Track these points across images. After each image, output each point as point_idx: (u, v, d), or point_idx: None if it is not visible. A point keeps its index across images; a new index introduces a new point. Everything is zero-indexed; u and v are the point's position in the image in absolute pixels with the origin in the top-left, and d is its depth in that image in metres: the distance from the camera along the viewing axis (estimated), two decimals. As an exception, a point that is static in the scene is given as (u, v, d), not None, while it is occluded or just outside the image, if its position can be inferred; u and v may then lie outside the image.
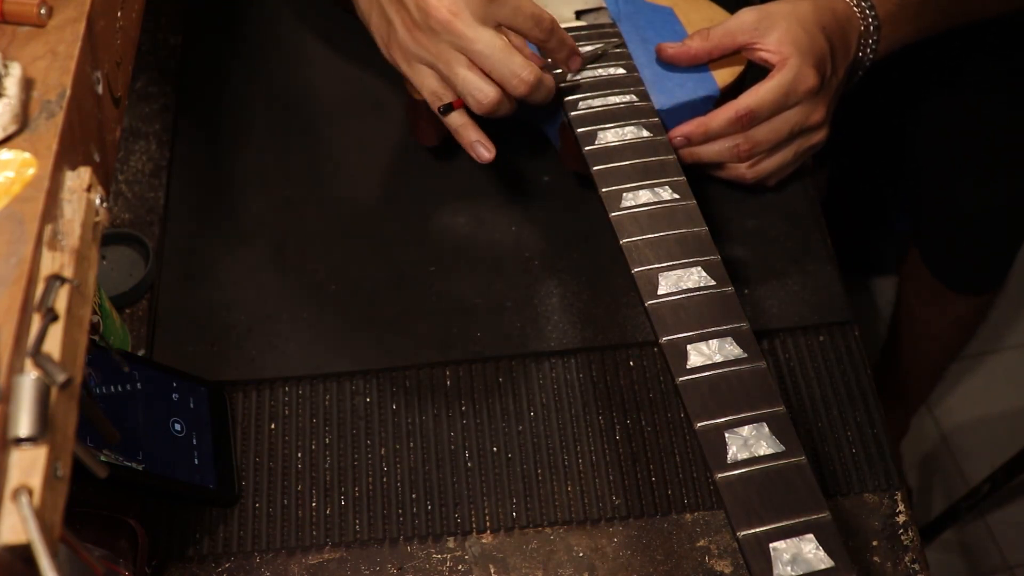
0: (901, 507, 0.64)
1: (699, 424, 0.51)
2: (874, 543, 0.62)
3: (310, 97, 0.83)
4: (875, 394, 0.68)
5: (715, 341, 0.55)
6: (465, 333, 0.70)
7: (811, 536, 0.46)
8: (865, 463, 0.65)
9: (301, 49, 0.86)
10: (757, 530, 0.47)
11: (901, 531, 0.63)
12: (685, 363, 0.53)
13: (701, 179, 0.77)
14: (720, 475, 0.49)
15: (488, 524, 0.63)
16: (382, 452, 0.66)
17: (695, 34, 0.70)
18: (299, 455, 0.66)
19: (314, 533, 0.63)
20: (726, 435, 0.50)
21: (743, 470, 0.49)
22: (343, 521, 0.63)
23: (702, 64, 0.70)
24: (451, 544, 0.63)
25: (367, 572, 0.62)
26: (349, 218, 0.76)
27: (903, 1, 0.71)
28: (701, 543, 0.62)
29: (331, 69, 0.85)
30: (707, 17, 0.74)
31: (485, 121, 0.75)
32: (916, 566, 0.61)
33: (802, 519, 0.47)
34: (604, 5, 0.76)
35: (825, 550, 0.46)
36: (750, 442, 0.50)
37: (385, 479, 0.65)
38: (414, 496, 0.64)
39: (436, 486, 0.64)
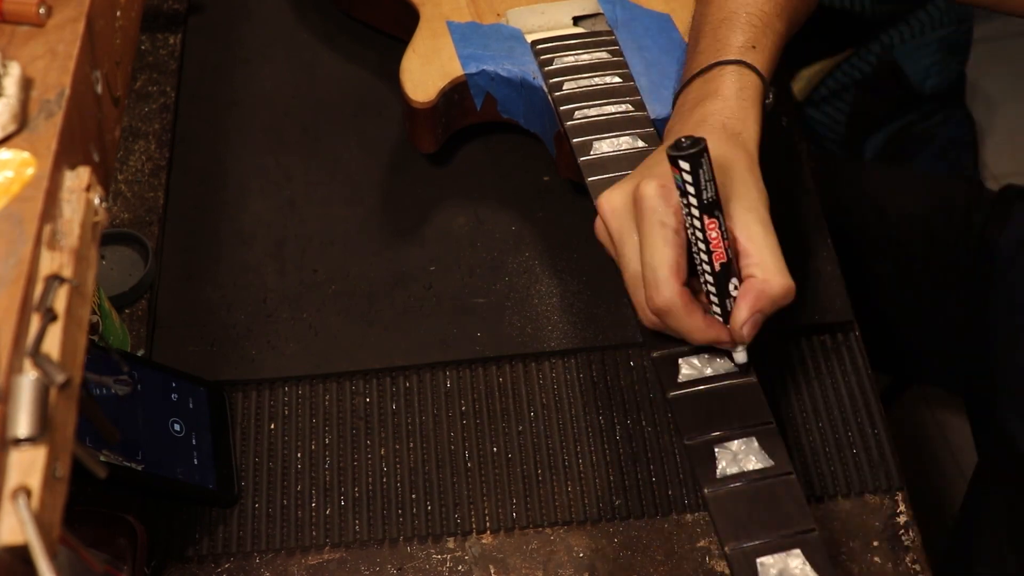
0: (902, 507, 0.63)
1: (688, 439, 0.51)
2: (875, 543, 0.62)
3: (310, 97, 0.83)
4: (876, 394, 0.68)
5: (706, 354, 0.55)
6: (465, 333, 0.70)
7: (798, 551, 0.46)
8: (866, 463, 0.65)
9: (301, 49, 0.86)
10: (745, 545, 0.47)
11: (902, 531, 0.63)
12: (676, 377, 0.53)
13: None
14: (708, 490, 0.49)
15: (488, 524, 0.63)
16: (382, 452, 0.66)
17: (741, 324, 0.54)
18: (299, 455, 0.66)
19: (314, 533, 0.63)
20: (715, 450, 0.50)
21: (732, 485, 0.49)
22: (343, 521, 0.63)
23: None
24: (451, 544, 0.63)
25: (367, 572, 0.62)
26: (349, 218, 0.76)
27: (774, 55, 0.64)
28: (701, 543, 0.62)
29: (331, 69, 0.84)
30: None
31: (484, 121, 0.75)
32: (917, 566, 0.61)
33: (789, 534, 0.47)
34: (601, 11, 0.76)
35: (811, 565, 0.46)
36: (739, 457, 0.50)
37: (385, 479, 0.65)
38: (414, 496, 0.64)
39: (436, 486, 0.64)
